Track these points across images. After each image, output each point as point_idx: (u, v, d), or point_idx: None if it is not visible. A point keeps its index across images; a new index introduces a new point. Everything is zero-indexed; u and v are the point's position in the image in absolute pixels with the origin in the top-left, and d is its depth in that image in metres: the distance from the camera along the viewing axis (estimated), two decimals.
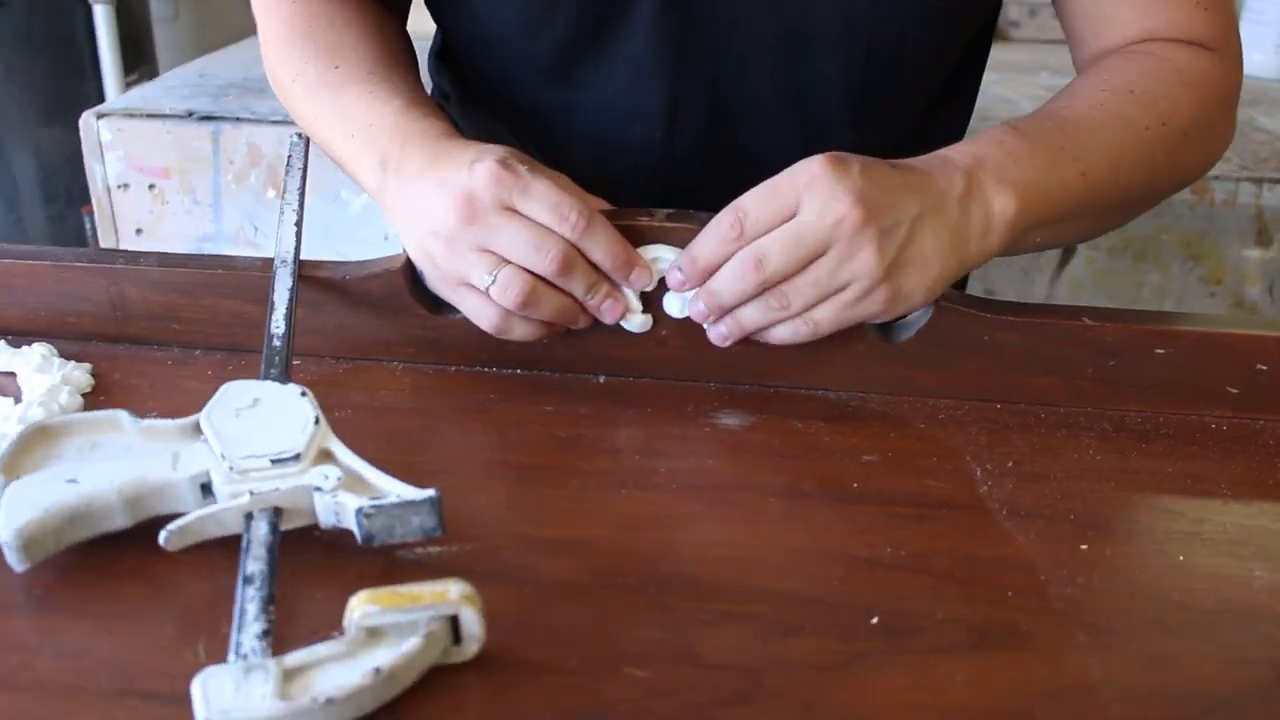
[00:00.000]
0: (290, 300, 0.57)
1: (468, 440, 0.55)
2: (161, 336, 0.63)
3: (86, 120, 1.23)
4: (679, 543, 0.48)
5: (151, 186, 1.26)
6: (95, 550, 0.46)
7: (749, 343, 0.58)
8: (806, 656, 0.41)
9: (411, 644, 0.38)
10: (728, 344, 0.57)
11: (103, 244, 1.29)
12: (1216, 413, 0.59)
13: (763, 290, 0.55)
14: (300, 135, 0.71)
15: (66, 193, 1.53)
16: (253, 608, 0.40)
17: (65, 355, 0.61)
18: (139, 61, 1.69)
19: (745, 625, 0.43)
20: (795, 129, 0.70)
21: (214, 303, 0.62)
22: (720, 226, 0.55)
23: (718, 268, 0.55)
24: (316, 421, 0.47)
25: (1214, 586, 0.46)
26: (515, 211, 0.55)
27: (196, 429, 0.47)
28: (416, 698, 0.39)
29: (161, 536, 0.43)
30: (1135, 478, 0.54)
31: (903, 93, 0.71)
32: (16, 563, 0.43)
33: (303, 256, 0.60)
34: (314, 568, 0.46)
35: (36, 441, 0.47)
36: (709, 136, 0.70)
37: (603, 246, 0.55)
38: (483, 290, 0.56)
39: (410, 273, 0.61)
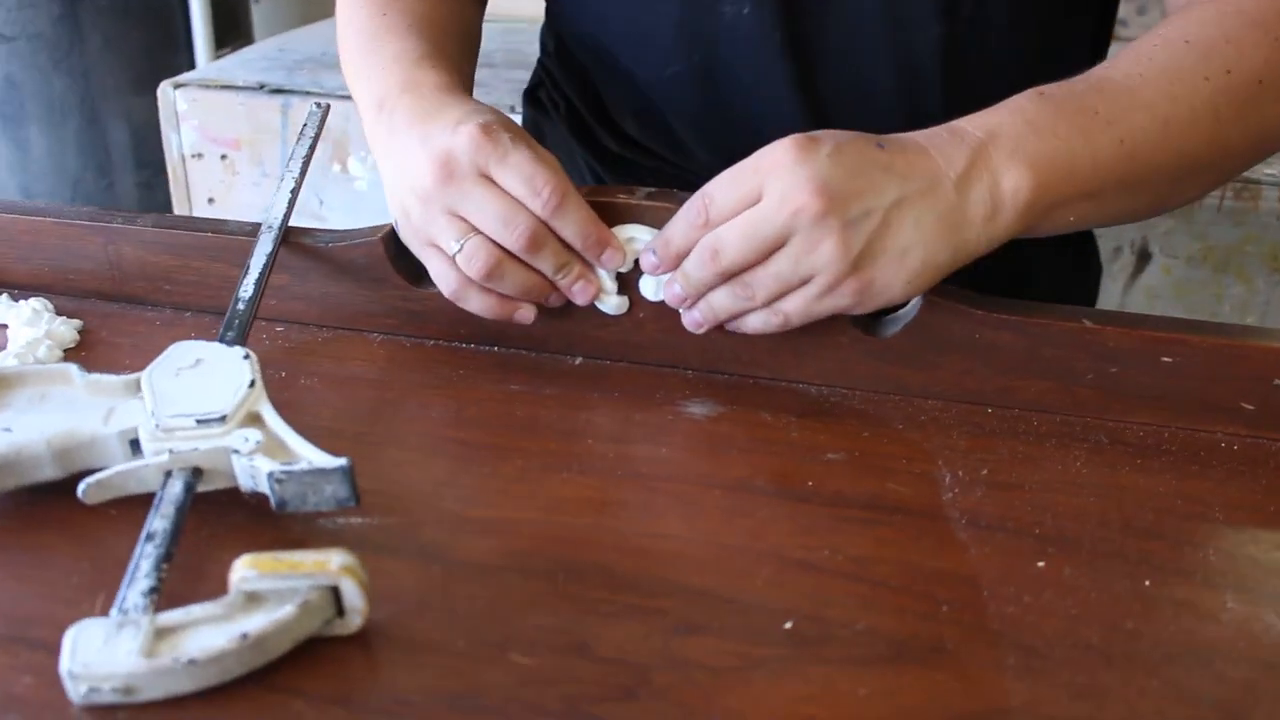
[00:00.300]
0: (265, 265, 0.57)
1: (423, 415, 0.55)
2: (155, 297, 0.64)
3: (164, 90, 1.27)
4: (604, 530, 0.46)
5: (223, 157, 1.29)
6: (28, 500, 0.46)
7: (728, 330, 0.56)
8: (704, 657, 0.40)
9: (285, 612, 0.37)
10: (702, 330, 0.55)
11: (177, 212, 1.32)
12: (1229, 430, 0.55)
13: (726, 279, 0.53)
14: (319, 104, 0.72)
15: (155, 161, 1.59)
16: (146, 564, 0.40)
17: (63, 312, 0.62)
18: (235, 36, 1.74)
19: (648, 620, 0.41)
20: (897, 110, 0.66)
21: (204, 265, 0.62)
22: (689, 211, 0.53)
23: (687, 252, 0.54)
24: (251, 385, 0.47)
25: (1176, 616, 0.43)
26: (490, 180, 0.54)
27: (139, 386, 0.48)
28: (294, 667, 0.38)
29: (80, 488, 0.43)
30: (1120, 494, 0.50)
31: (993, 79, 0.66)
32: None
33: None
34: (235, 531, 0.45)
35: None
36: (821, 119, 0.66)
37: (574, 224, 0.54)
38: (449, 255, 0.55)
39: (393, 244, 0.60)
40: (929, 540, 0.47)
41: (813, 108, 0.66)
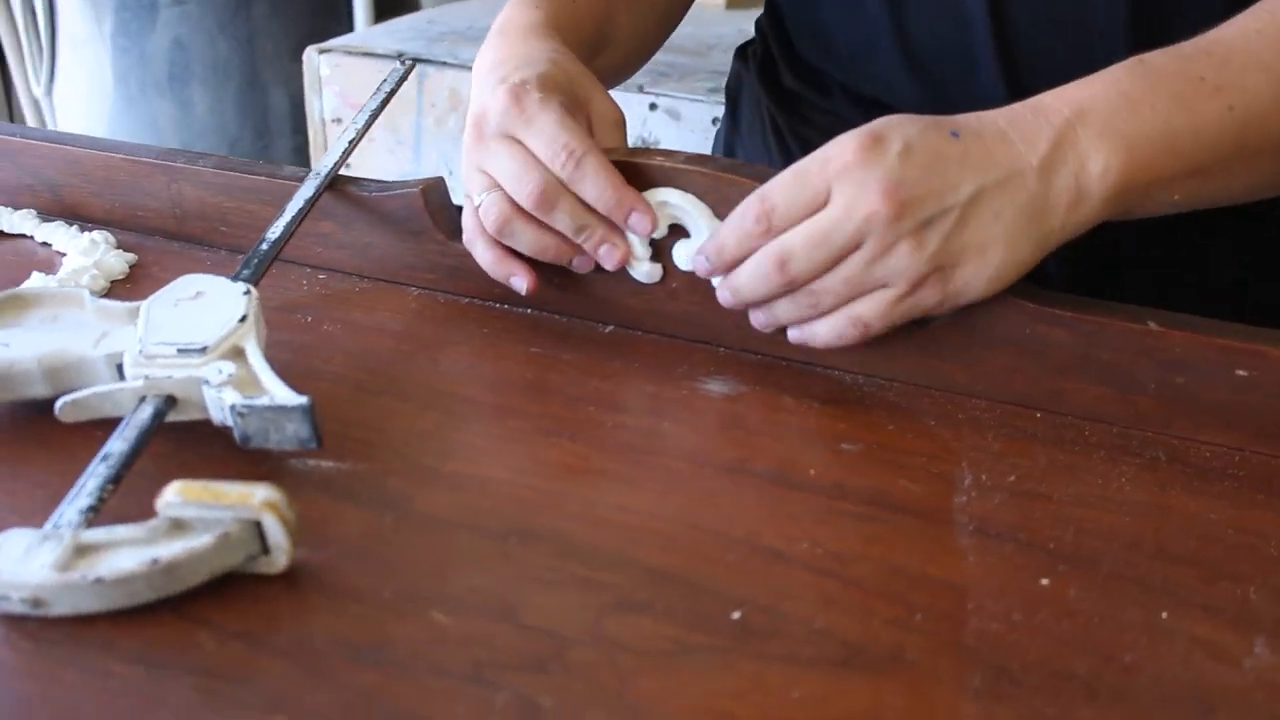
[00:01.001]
0: (300, 209, 0.57)
1: (432, 369, 0.53)
2: (211, 238, 0.65)
3: (309, 54, 1.31)
4: (573, 498, 0.44)
5: None
6: (22, 414, 0.47)
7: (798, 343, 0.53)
8: (634, 638, 0.37)
9: (201, 541, 0.37)
10: (769, 330, 0.52)
11: None
12: None
13: (790, 290, 0.50)
14: (402, 62, 0.72)
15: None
16: (92, 483, 0.40)
17: (126, 247, 0.64)
18: (404, 7, 1.79)
19: (587, 592, 0.39)
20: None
21: (257, 209, 0.63)
22: (746, 219, 0.49)
23: (744, 259, 0.50)
24: (241, 320, 0.47)
25: (1188, 655, 0.37)
26: (516, 140, 0.53)
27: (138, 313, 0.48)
28: (213, 599, 0.38)
29: (57, 405, 0.44)
30: (1163, 516, 0.44)
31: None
32: None
33: None
34: (206, 462, 0.45)
35: (6, 308, 0.49)
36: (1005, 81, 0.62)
37: (593, 186, 0.52)
38: (475, 206, 0.54)
39: (433, 196, 0.59)
40: (924, 543, 0.42)
41: (1001, 37, 0.61)
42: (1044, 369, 0.51)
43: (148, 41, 1.56)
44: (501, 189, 0.53)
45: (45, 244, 0.64)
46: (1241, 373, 0.48)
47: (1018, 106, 0.49)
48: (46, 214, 0.67)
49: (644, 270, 0.55)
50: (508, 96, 0.53)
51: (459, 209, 0.59)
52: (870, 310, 0.49)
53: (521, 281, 0.55)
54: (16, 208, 0.67)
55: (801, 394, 0.52)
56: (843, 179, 0.47)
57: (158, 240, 0.66)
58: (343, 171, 0.62)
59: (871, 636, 0.37)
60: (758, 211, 0.49)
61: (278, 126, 1.68)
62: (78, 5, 1.65)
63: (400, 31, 1.39)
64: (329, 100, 1.32)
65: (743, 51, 0.81)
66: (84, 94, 1.68)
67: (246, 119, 1.63)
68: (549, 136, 0.51)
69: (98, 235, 0.63)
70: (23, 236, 0.65)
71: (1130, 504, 0.45)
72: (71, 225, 0.65)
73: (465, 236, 0.56)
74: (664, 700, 0.34)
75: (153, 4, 1.58)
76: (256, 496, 0.37)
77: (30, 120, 1.87)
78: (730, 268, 0.51)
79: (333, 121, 1.33)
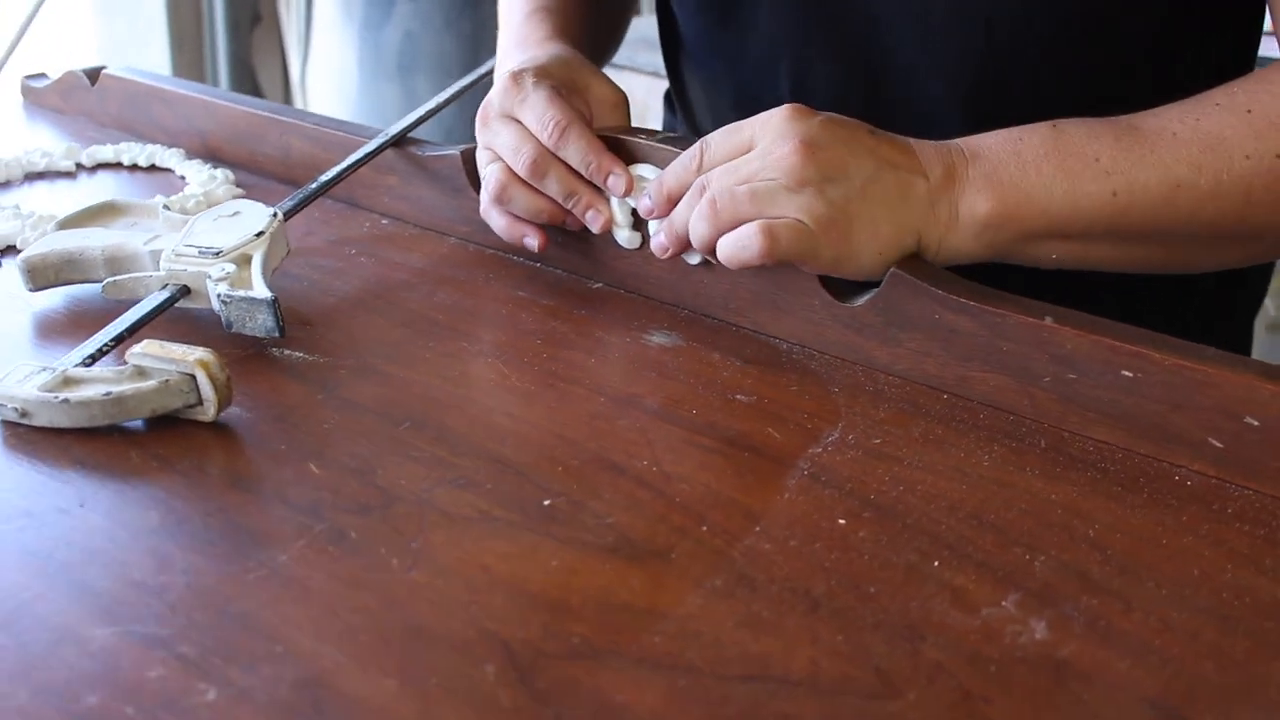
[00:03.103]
0: (355, 160, 0.68)
1: (423, 297, 0.62)
2: (309, 183, 0.77)
3: None
4: (473, 403, 0.51)
5: None
6: (86, 291, 0.60)
7: (722, 277, 0.59)
8: (451, 505, 0.44)
9: (146, 384, 0.47)
10: (668, 255, 0.58)
11: None
12: (1194, 467, 0.49)
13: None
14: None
15: None
16: (99, 338, 0.51)
17: (244, 185, 0.77)
18: None
19: (437, 469, 0.46)
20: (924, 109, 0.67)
21: (342, 159, 0.74)
22: (683, 159, 0.57)
23: (680, 195, 0.57)
24: (258, 235, 0.57)
25: (931, 598, 0.40)
26: (514, 119, 0.61)
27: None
28: (153, 432, 0.48)
29: (101, 285, 0.56)
30: (999, 490, 0.47)
31: (1039, 78, 0.64)
32: (25, 283, 0.58)
33: None
34: (208, 341, 0.56)
35: (100, 212, 0.62)
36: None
37: (576, 153, 0.59)
38: (485, 179, 0.63)
39: (471, 160, 0.68)
40: (753, 478, 0.47)
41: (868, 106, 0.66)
42: (952, 355, 0.54)
43: (383, 33, 1.76)
44: (501, 160, 0.61)
45: (181, 177, 0.78)
46: (1127, 373, 0.49)
47: (927, 141, 0.56)
48: (193, 154, 0.81)
49: (624, 236, 0.62)
50: (507, 81, 0.61)
51: None
52: (780, 226, 0.53)
53: (533, 240, 0.63)
54: (172, 147, 0.81)
55: (731, 353, 0.57)
56: (767, 130, 0.54)
57: (270, 182, 0.78)
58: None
59: (650, 535, 0.43)
60: (695, 151, 0.56)
61: None
62: None
63: None
64: None
65: (669, 99, 0.87)
66: (330, 78, 1.90)
67: (464, 109, 1.78)
68: (539, 112, 0.60)
69: (218, 173, 0.76)
70: (169, 170, 0.80)
71: (975, 477, 0.48)
72: (206, 164, 0.79)
73: (481, 207, 0.64)
74: (442, 548, 0.41)
75: None
76: (193, 355, 0.47)
77: (279, 101, 2.12)
78: (669, 204, 0.57)
79: None
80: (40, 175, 0.79)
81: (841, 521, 0.44)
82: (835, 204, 0.52)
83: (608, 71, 0.68)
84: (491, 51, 0.80)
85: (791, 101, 0.55)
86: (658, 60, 0.83)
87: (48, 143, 0.83)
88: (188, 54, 2.11)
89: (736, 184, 0.54)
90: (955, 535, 0.44)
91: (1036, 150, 0.54)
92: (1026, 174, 0.53)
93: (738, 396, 0.53)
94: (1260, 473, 0.47)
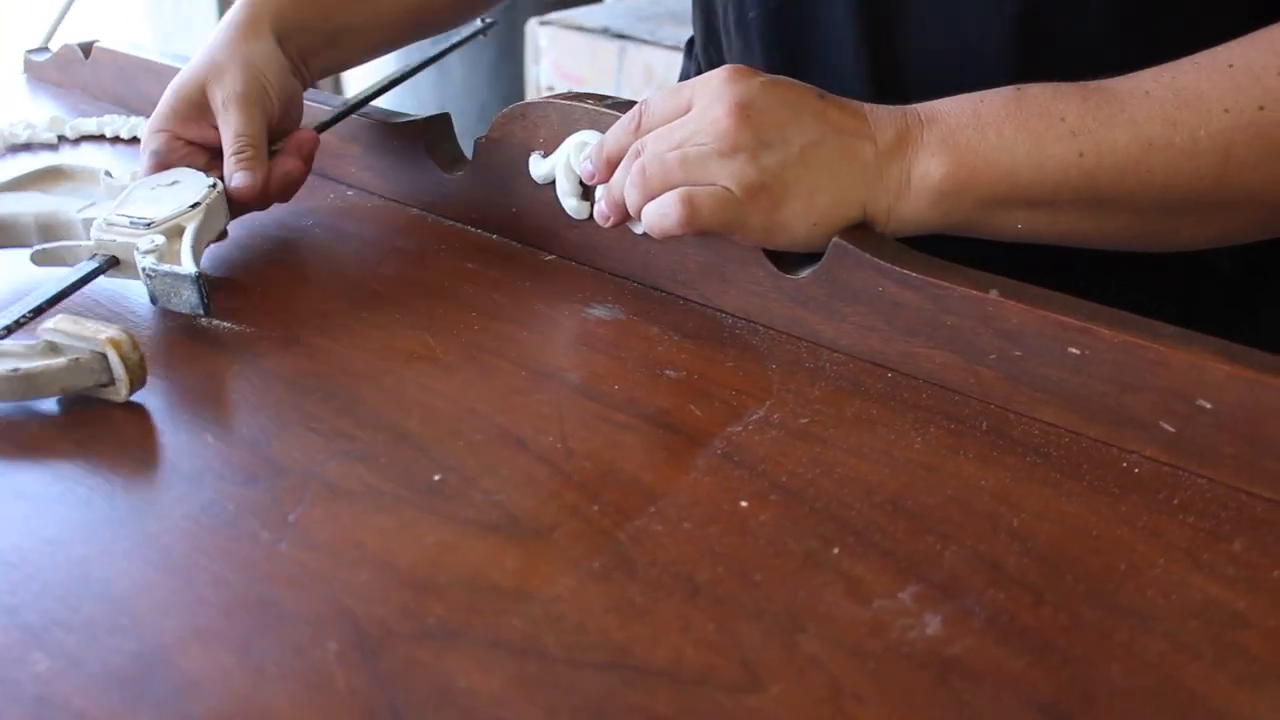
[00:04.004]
0: (390, 79, 0.68)
1: (368, 268, 0.61)
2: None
3: (531, 26, 1.43)
4: (389, 375, 0.50)
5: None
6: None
7: (669, 247, 0.57)
8: (340, 479, 0.43)
9: (55, 361, 0.46)
10: (609, 224, 0.56)
11: None
12: (1146, 452, 0.45)
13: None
14: (484, 20, 0.80)
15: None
16: (16, 309, 0.50)
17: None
18: None
19: (336, 441, 0.45)
20: None
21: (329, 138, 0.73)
22: (622, 121, 0.55)
23: (619, 158, 0.55)
24: (193, 206, 0.56)
25: (822, 587, 0.38)
26: None
27: None
28: (66, 412, 0.47)
29: (30, 252, 0.55)
30: (924, 475, 0.44)
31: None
32: None
33: None
34: (133, 314, 0.55)
35: (42, 176, 0.62)
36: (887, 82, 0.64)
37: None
38: None
39: (432, 131, 0.67)
40: (660, 456, 0.45)
41: (879, 71, 0.62)
42: (896, 330, 0.51)
43: None
44: None
45: None
46: (1074, 350, 0.46)
47: (885, 105, 0.52)
48: None
49: (572, 205, 0.60)
50: None
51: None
52: (702, 194, 0.51)
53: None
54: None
55: (671, 327, 0.55)
56: (704, 92, 0.51)
57: None
58: None
59: (536, 514, 0.41)
60: (633, 113, 0.54)
61: (522, 96, 1.83)
62: None
63: (617, 9, 1.48)
64: (545, 69, 1.43)
65: (689, 48, 0.82)
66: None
67: (496, 86, 1.79)
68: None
69: None
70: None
71: (902, 460, 0.45)
72: None
73: None
74: (318, 523, 0.40)
75: None
76: (105, 333, 0.46)
77: (328, 84, 2.12)
78: (609, 167, 0.55)
79: (546, 89, 1.44)
80: (25, 147, 0.79)
81: (744, 504, 0.42)
82: (768, 170, 0.50)
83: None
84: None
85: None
86: (680, 35, 0.80)
87: (43, 115, 0.84)
88: None
89: (669, 149, 0.51)
90: (864, 521, 0.41)
91: (997, 111, 0.50)
92: (986, 135, 0.50)
93: (667, 372, 0.51)
94: (1213, 460, 0.44)
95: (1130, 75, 0.50)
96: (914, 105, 0.52)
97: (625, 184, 0.53)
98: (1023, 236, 0.52)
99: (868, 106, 0.52)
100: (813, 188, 0.50)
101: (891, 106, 0.52)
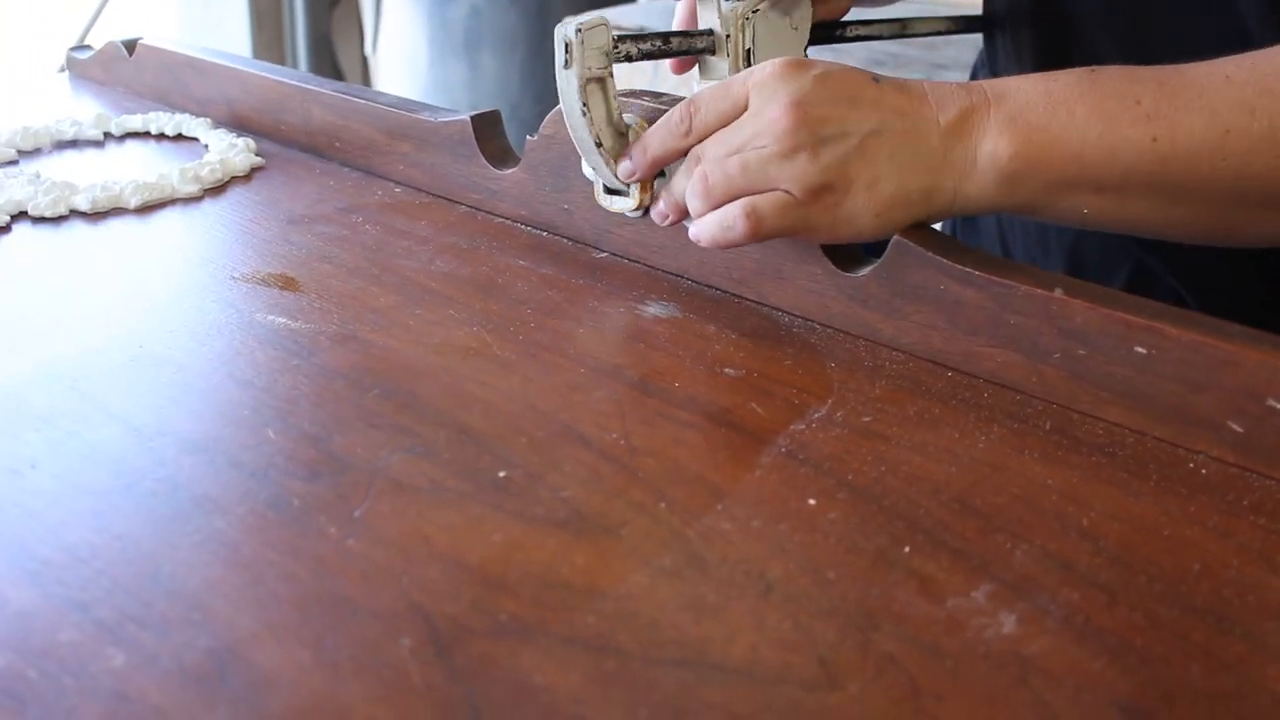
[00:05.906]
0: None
1: (419, 264, 0.61)
2: (328, 151, 0.76)
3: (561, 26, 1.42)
4: (448, 373, 0.50)
5: None
6: None
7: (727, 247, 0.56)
8: (404, 474, 0.42)
9: None
10: (668, 223, 0.56)
11: None
12: (1213, 453, 0.45)
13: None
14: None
15: None
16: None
17: (265, 154, 0.77)
18: None
19: (397, 437, 0.45)
20: None
21: (359, 129, 0.73)
22: (671, 119, 0.54)
23: (665, 160, 0.55)
24: None
25: (896, 585, 0.38)
26: None
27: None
28: (120, 392, 0.47)
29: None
30: (991, 474, 0.43)
31: None
32: None
33: None
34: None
35: None
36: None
37: None
38: None
39: (481, 127, 0.67)
40: (725, 454, 0.45)
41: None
42: (958, 329, 0.50)
43: (449, 10, 1.75)
44: None
45: (205, 145, 0.78)
46: (1140, 350, 0.46)
47: (951, 81, 0.51)
48: (220, 123, 0.81)
49: (607, 200, 0.60)
50: None
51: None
52: (765, 203, 0.50)
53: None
54: (201, 116, 0.81)
55: (728, 326, 0.55)
56: (759, 89, 0.51)
57: (294, 151, 0.78)
58: None
59: (603, 511, 0.41)
60: (682, 112, 0.53)
61: (555, 95, 1.82)
62: None
63: (651, 9, 1.47)
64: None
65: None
66: (399, 56, 1.91)
67: (527, 85, 1.79)
68: None
69: (239, 141, 0.76)
70: (195, 139, 0.80)
71: (967, 459, 0.45)
72: (231, 133, 0.79)
73: None
74: (385, 518, 0.40)
75: None
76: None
77: (357, 79, 2.13)
78: (652, 167, 0.55)
79: None
80: (71, 144, 0.79)
81: (812, 502, 0.42)
82: (830, 168, 0.49)
83: None
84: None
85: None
86: None
87: (87, 113, 0.84)
88: (267, 32, 2.14)
89: (728, 154, 0.51)
90: (934, 520, 0.41)
91: (1069, 91, 0.49)
92: (1056, 115, 0.48)
93: (726, 370, 0.51)
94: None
95: (1211, 60, 0.49)
96: (982, 81, 0.51)
97: (686, 190, 0.53)
98: (1087, 222, 0.51)
99: (929, 84, 0.51)
100: (874, 178, 0.50)
101: (956, 83, 0.51)
